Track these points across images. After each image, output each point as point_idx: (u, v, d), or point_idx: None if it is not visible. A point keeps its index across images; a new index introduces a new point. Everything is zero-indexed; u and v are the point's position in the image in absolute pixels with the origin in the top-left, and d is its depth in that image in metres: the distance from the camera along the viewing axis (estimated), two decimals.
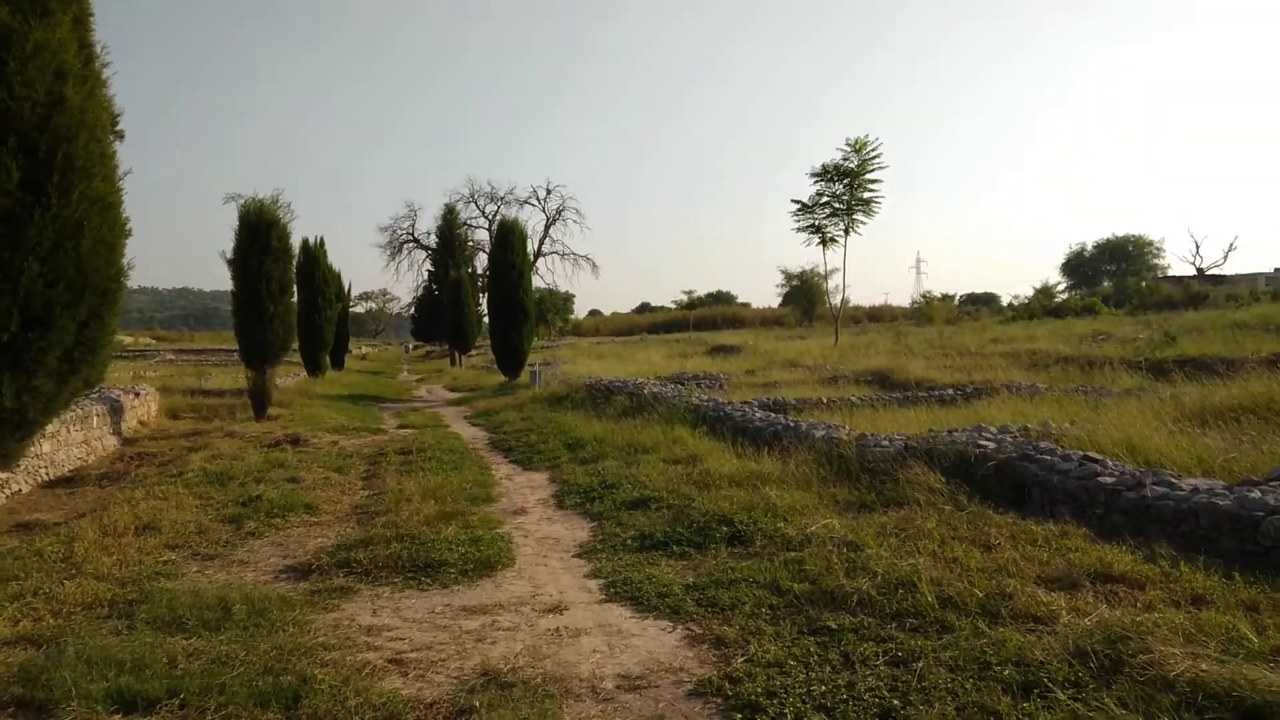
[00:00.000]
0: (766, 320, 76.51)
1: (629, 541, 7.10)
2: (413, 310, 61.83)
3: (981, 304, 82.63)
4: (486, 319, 53.20)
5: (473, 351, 46.69)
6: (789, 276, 77.48)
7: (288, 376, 25.40)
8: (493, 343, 27.63)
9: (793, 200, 35.19)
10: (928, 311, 59.34)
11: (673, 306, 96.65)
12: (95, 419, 13.34)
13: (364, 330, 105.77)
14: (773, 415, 12.02)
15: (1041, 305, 55.18)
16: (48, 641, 4.78)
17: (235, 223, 16.99)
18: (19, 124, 5.05)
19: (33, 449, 9.56)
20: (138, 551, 6.88)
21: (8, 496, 9.86)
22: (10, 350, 5.15)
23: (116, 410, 14.73)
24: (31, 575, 6.23)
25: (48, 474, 11.22)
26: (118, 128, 5.96)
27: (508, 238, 27.04)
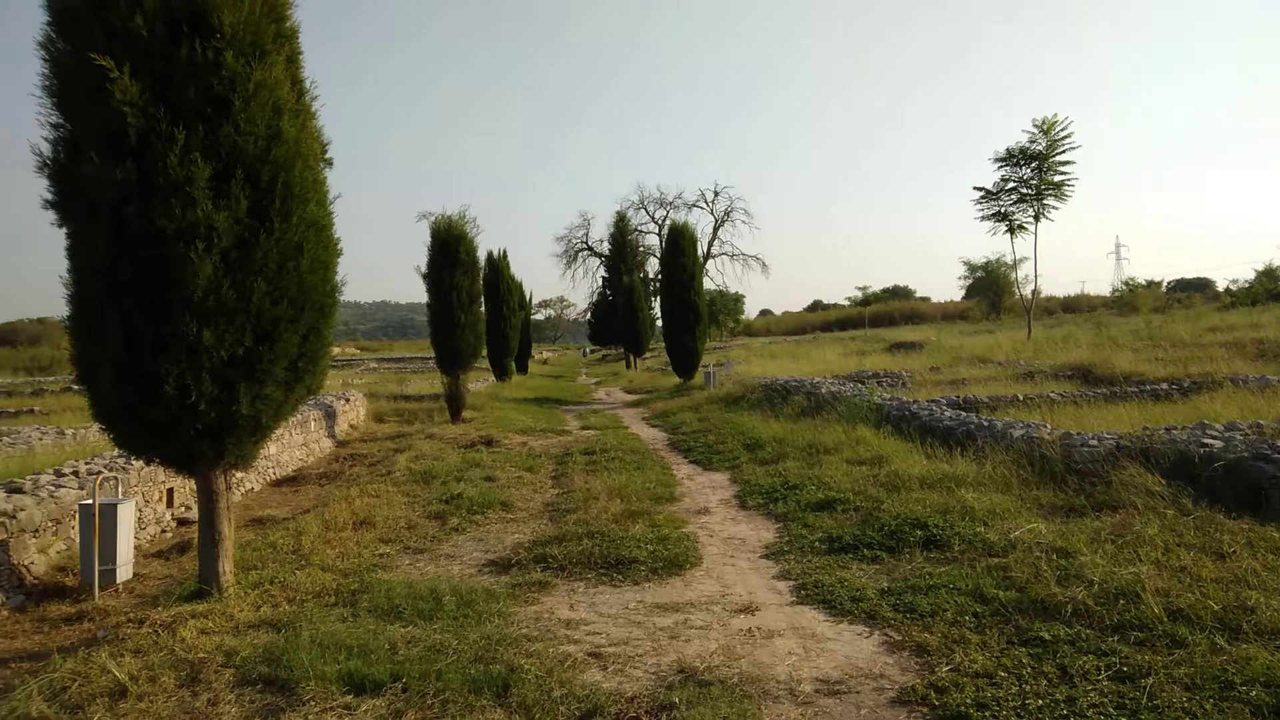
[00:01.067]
0: (948, 314, 73.02)
1: (816, 544, 6.97)
2: (589, 316, 63.63)
3: (1193, 290, 74.95)
4: (659, 322, 54.17)
5: (647, 354, 47.49)
6: (972, 267, 73.44)
7: (478, 381, 26.79)
8: (667, 345, 27.98)
9: (975, 188, 33.32)
10: (1132, 300, 54.48)
11: (846, 303, 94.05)
12: (313, 423, 14.62)
13: (544, 336, 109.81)
14: (963, 414, 11.44)
15: (1266, 289, 49.30)
16: (285, 626, 5.26)
17: (428, 238, 18.13)
18: (245, 157, 5.59)
19: (262, 452, 10.55)
20: (356, 545, 7.47)
21: (243, 494, 10.98)
22: (245, 362, 5.71)
23: (330, 415, 16.07)
24: (268, 565, 6.89)
25: (274, 474, 12.40)
26: (327, 155, 6.48)
27: (678, 241, 27.31)
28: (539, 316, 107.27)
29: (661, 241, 63.55)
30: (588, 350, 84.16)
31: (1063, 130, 30.53)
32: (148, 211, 5.18)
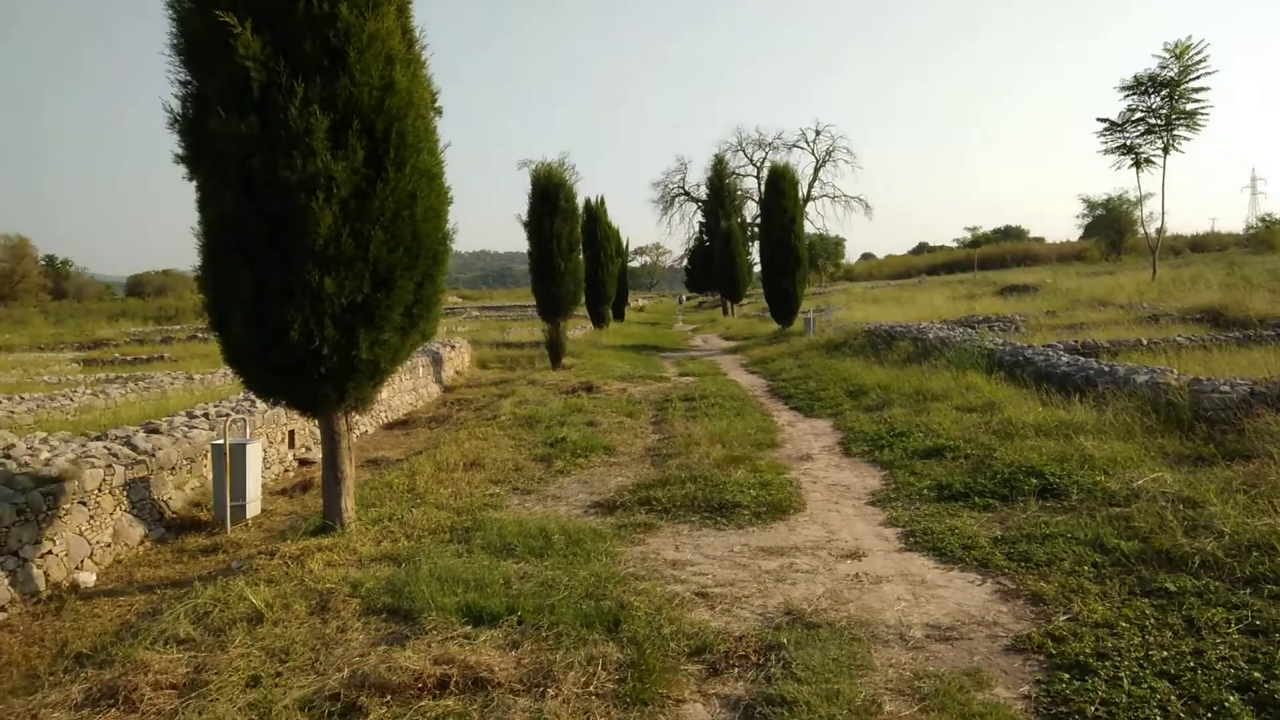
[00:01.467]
0: (1064, 255, 69.27)
1: (925, 491, 6.84)
2: (685, 262, 63.39)
3: None
4: (757, 267, 53.46)
5: (744, 300, 47.03)
6: (1091, 205, 69.25)
7: (576, 329, 27.12)
8: (765, 291, 27.59)
9: (1098, 119, 31.21)
10: (1268, 237, 50.49)
11: (954, 245, 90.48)
12: (421, 369, 15.12)
13: (639, 283, 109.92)
14: (1081, 359, 10.94)
15: None
16: (405, 560, 5.52)
17: (528, 186, 18.30)
18: (360, 108, 5.73)
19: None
20: (467, 485, 7.74)
21: (358, 436, 11.50)
22: (364, 309, 5.92)
23: (437, 361, 16.58)
24: (385, 503, 7.23)
25: (386, 417, 12.92)
26: (437, 104, 6.57)
27: (778, 183, 26.72)
28: (634, 264, 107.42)
29: (760, 185, 62.42)
30: (684, 297, 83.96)
31: (1197, 54, 28.28)
32: (271, 163, 5.37)
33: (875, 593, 4.81)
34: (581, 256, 19.60)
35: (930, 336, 14.72)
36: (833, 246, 70.25)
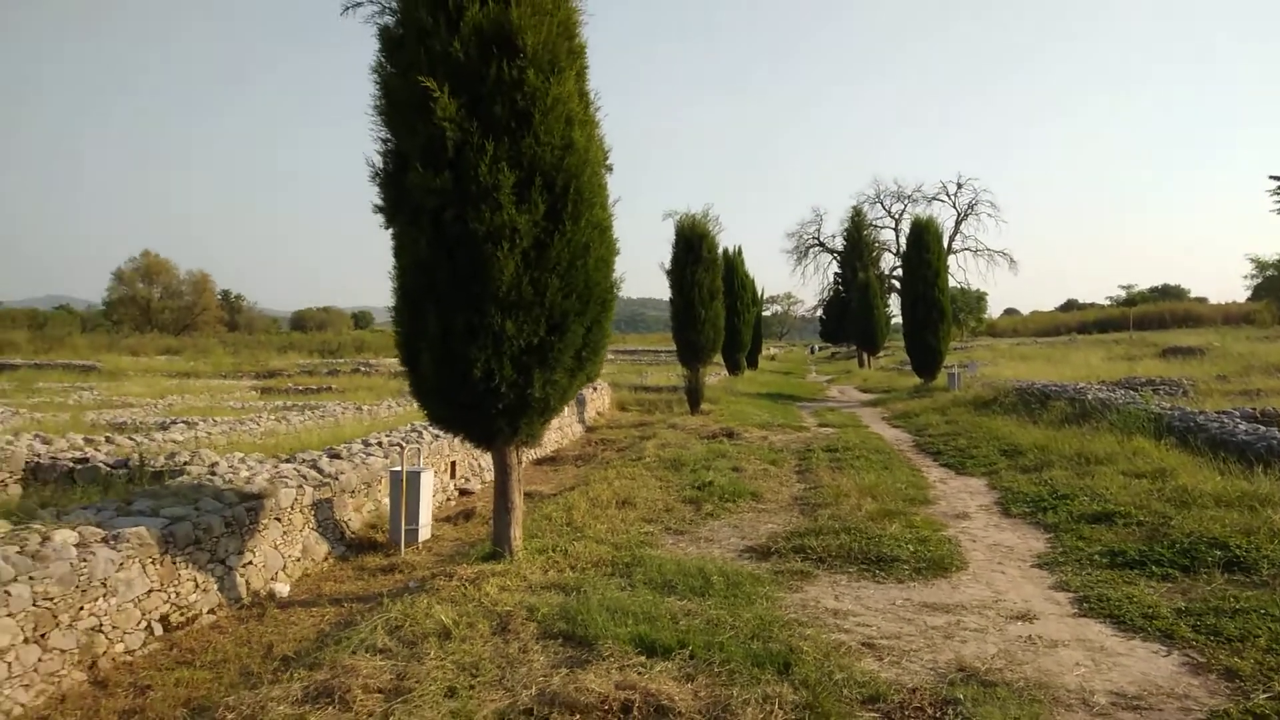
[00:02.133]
0: (1230, 317, 64.37)
1: (1095, 556, 6.59)
2: (819, 312, 62.71)
3: None
4: (895, 319, 52.27)
5: (880, 353, 46.09)
6: (1261, 265, 64.45)
7: (711, 375, 27.32)
8: (907, 344, 27.02)
9: (1271, 177, 29.29)
10: None
11: (1106, 303, 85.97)
12: (567, 409, 15.64)
13: (769, 332, 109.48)
14: (1262, 428, 10.24)
15: None
16: (572, 589, 5.77)
17: (669, 236, 18.76)
18: (543, 165, 6.16)
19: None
20: (622, 522, 7.99)
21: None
22: (539, 350, 6.30)
23: (580, 402, 17.11)
24: (546, 534, 7.55)
25: (536, 453, 13.42)
26: (608, 162, 6.97)
27: (921, 236, 26.30)
28: (766, 313, 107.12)
29: (897, 236, 61.35)
30: (815, 347, 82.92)
31: None
32: (462, 215, 5.84)
33: (1052, 656, 4.68)
34: (721, 304, 19.81)
35: (1089, 397, 14.07)
36: (974, 301, 67.91)
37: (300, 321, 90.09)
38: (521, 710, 3.80)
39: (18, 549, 5.02)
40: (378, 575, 7.25)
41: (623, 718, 3.70)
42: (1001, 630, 5.12)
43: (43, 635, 4.78)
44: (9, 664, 4.52)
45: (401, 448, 9.58)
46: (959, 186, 62.61)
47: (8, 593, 4.59)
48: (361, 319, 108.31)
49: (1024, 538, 7.55)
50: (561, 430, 15.17)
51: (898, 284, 55.34)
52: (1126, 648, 4.79)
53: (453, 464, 10.96)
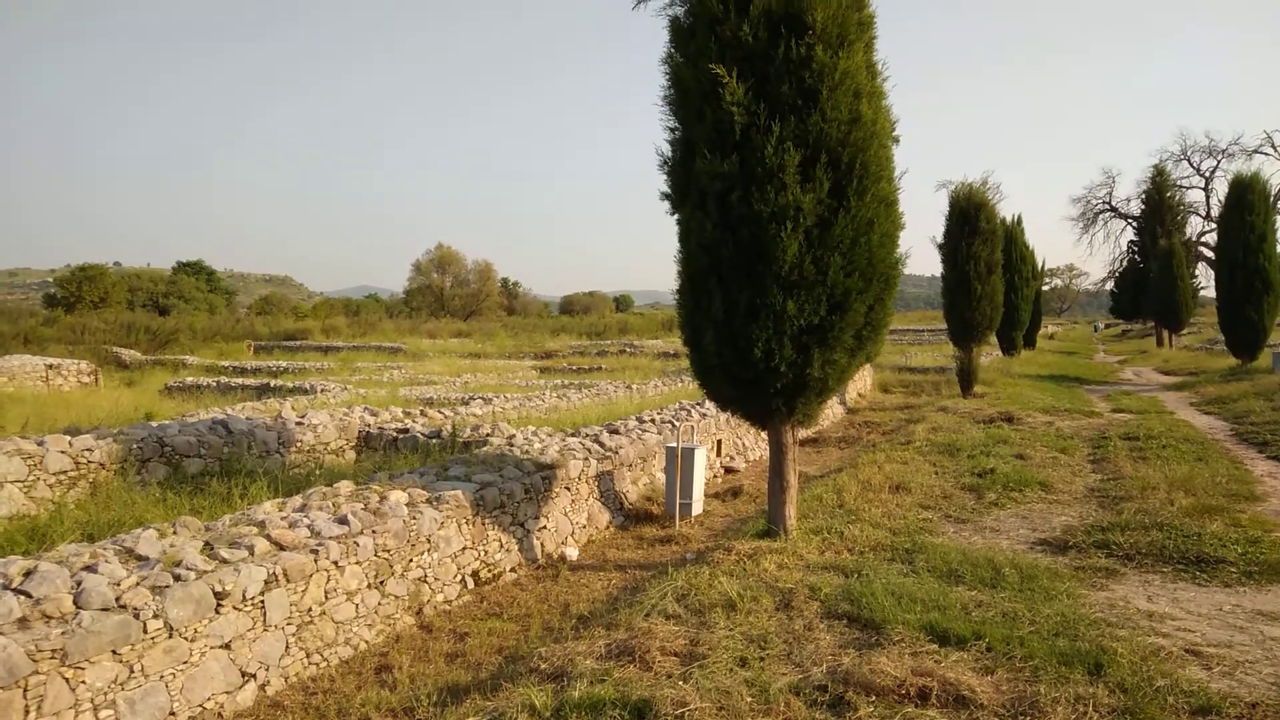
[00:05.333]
0: None
1: None
2: (1110, 285, 56.62)
3: None
4: (1202, 292, 46.00)
5: (1184, 331, 40.87)
6: None
7: (983, 355, 25.69)
8: (1221, 319, 23.74)
9: None
10: None
11: None
12: None
13: (1048, 308, 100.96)
14: None
15: None
16: (852, 572, 5.73)
17: (943, 208, 17.81)
18: (828, 142, 6.07)
19: None
20: (897, 507, 7.79)
21: None
22: (819, 330, 6.26)
23: None
24: (818, 515, 7.54)
25: (800, 434, 13.37)
26: (895, 133, 6.74)
27: (1244, 195, 22.91)
28: (1044, 288, 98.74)
29: (1208, 197, 53.85)
30: (1100, 325, 75.20)
31: None
32: (747, 197, 5.93)
33: None
34: (998, 279, 18.52)
35: None
36: None
37: (568, 305, 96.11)
38: (815, 686, 3.85)
39: (362, 505, 5.85)
40: (656, 545, 7.63)
41: (920, 704, 3.64)
42: None
43: (382, 582, 5.54)
44: (356, 605, 5.29)
45: (674, 425, 9.97)
46: None
47: (357, 543, 5.35)
48: (622, 302, 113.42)
49: None
50: (823, 411, 14.99)
51: (1207, 252, 48.66)
52: None
53: (719, 442, 11.23)
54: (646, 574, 6.61)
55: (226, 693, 4.33)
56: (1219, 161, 54.64)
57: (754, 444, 12.26)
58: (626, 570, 6.86)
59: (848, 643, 4.49)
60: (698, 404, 11.84)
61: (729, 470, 11.26)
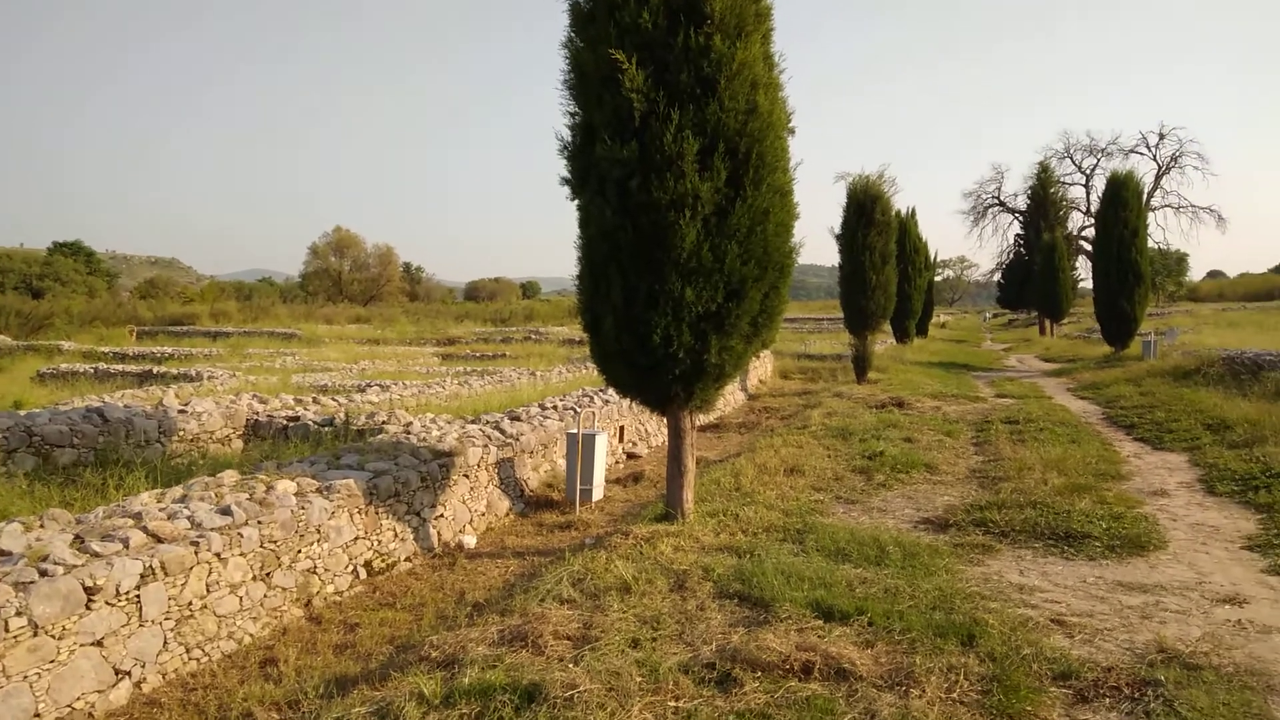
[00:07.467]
0: None
1: None
2: (997, 277, 59.32)
3: None
4: (1081, 284, 48.57)
5: (1064, 320, 43.18)
6: None
7: (878, 343, 26.56)
8: (1097, 310, 25.19)
9: None
10: None
11: None
12: None
13: (940, 298, 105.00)
14: None
15: None
16: (745, 552, 5.88)
17: (843, 200, 18.33)
18: (726, 132, 6.16)
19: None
20: (791, 489, 8.01)
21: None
22: (716, 317, 6.37)
23: (744, 369, 17.12)
24: (715, 499, 7.68)
25: (700, 420, 13.59)
26: (791, 125, 6.89)
27: (1119, 192, 24.32)
28: (937, 278, 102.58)
29: (1088, 194, 56.90)
30: (989, 315, 78.74)
31: None
32: (646, 185, 5.96)
33: (1266, 642, 4.36)
34: (894, 269, 19.21)
35: None
36: (1174, 263, 62.19)
37: (473, 291, 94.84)
38: (703, 664, 3.95)
39: (247, 495, 5.67)
40: (555, 531, 7.64)
41: (804, 678, 3.78)
42: (1206, 613, 4.81)
43: (268, 574, 5.38)
44: (240, 598, 5.13)
45: (576, 412, 9.99)
46: (1161, 138, 57.13)
47: (240, 534, 5.18)
48: (529, 289, 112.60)
49: (1231, 518, 6.99)
50: (724, 397, 15.26)
51: (1086, 245, 51.43)
52: None
53: (621, 429, 11.30)
54: (545, 560, 6.62)
55: (98, 692, 4.15)
56: (1099, 160, 57.76)
57: (657, 430, 12.38)
58: (525, 557, 6.85)
59: (738, 621, 4.61)
60: (600, 390, 11.89)
61: (631, 456, 11.35)
